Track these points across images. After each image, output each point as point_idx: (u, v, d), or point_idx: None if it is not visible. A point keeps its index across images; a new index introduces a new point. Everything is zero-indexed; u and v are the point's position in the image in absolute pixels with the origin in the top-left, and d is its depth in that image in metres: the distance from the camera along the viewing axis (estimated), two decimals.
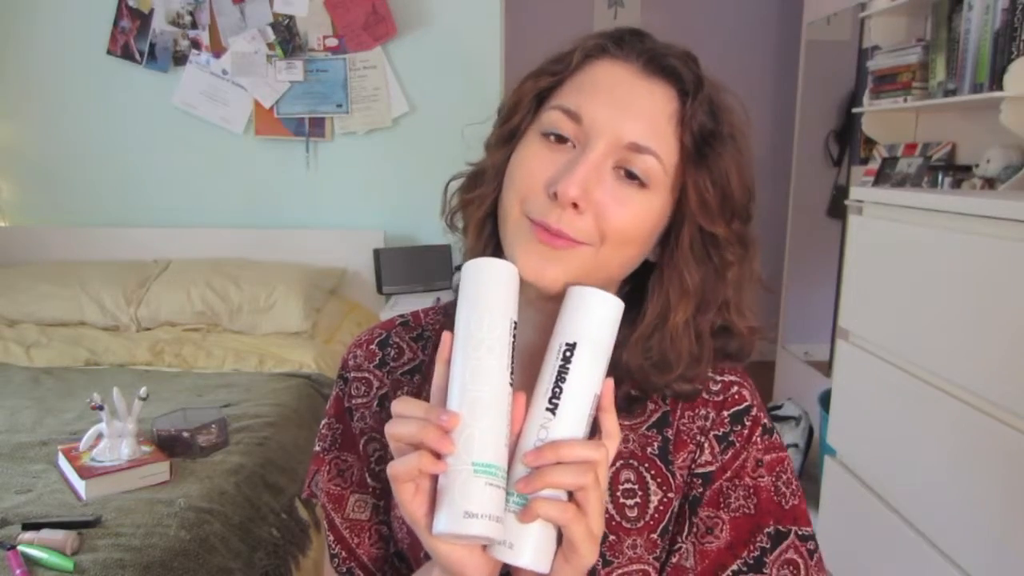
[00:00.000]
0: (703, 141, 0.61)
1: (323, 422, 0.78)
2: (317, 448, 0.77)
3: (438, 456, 0.53)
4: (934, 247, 1.31)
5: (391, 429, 0.55)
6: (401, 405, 0.56)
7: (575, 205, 0.59)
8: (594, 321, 0.58)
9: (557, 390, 0.56)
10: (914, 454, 1.37)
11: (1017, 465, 1.11)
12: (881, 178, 2.53)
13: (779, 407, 2.77)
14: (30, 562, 1.33)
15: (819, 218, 3.32)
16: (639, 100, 0.61)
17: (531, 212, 0.61)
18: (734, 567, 0.66)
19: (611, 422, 0.56)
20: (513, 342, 0.58)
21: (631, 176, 0.61)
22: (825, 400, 2.02)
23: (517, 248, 0.62)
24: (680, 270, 0.63)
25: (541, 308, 0.65)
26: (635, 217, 0.61)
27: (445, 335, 0.58)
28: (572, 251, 0.61)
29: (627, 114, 0.60)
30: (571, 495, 0.54)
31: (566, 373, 0.56)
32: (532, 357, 0.66)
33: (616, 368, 0.62)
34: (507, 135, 0.66)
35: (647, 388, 0.66)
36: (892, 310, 1.44)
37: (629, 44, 0.63)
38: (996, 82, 1.86)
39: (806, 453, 2.49)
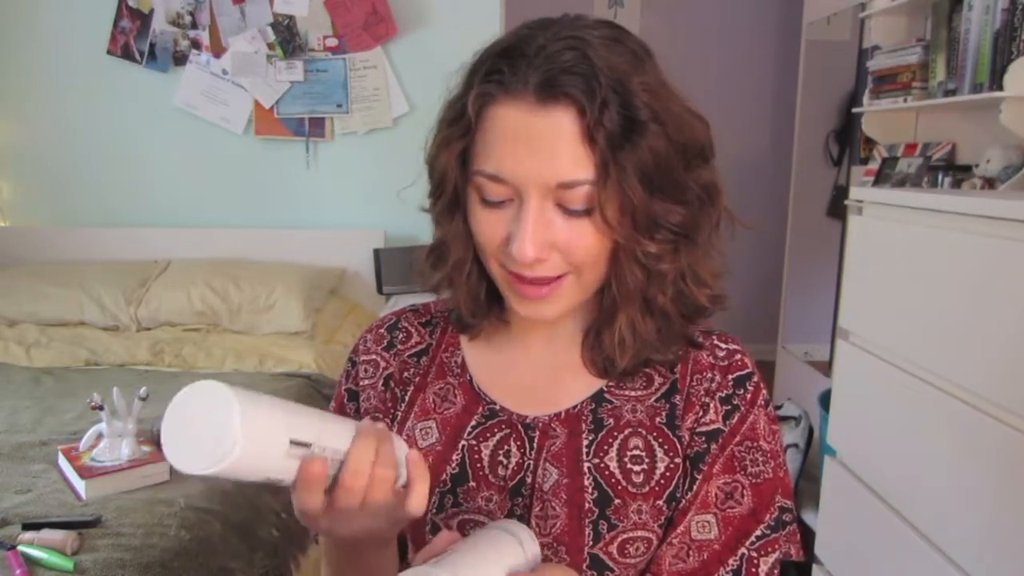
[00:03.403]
0: (620, 140, 0.58)
1: None
2: None
3: None
4: (934, 247, 1.31)
5: None
6: None
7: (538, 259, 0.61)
8: None
9: None
10: (914, 454, 1.37)
11: (1017, 465, 1.11)
12: (881, 178, 2.53)
13: (779, 407, 2.76)
14: (30, 562, 1.33)
15: (819, 218, 3.31)
16: (546, 138, 0.58)
17: (506, 264, 0.64)
18: (758, 532, 0.68)
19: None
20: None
21: (573, 211, 0.61)
22: (825, 400, 2.02)
23: (509, 298, 0.67)
24: (623, 272, 0.64)
25: (550, 322, 0.70)
26: (594, 241, 0.62)
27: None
28: (557, 289, 0.64)
29: (540, 157, 0.59)
30: None
31: None
32: (555, 370, 0.73)
33: (599, 349, 0.69)
34: (451, 205, 0.67)
35: (628, 364, 0.69)
36: (892, 310, 1.44)
37: (511, 77, 0.59)
38: (996, 82, 1.86)
39: (806, 453, 2.48)
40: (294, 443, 0.51)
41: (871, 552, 1.50)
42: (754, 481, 0.68)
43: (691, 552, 0.68)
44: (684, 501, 0.68)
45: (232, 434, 0.47)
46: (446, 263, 0.70)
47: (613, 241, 0.62)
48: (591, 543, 0.67)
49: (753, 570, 0.67)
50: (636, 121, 0.58)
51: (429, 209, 0.71)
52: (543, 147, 0.59)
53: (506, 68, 0.60)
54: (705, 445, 0.69)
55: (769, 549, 0.68)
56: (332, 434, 0.56)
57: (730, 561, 0.67)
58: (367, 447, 0.56)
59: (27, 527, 1.41)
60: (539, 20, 0.63)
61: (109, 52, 2.97)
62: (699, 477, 0.68)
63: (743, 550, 0.68)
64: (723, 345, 0.72)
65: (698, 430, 0.69)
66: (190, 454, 0.48)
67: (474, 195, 0.64)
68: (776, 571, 0.69)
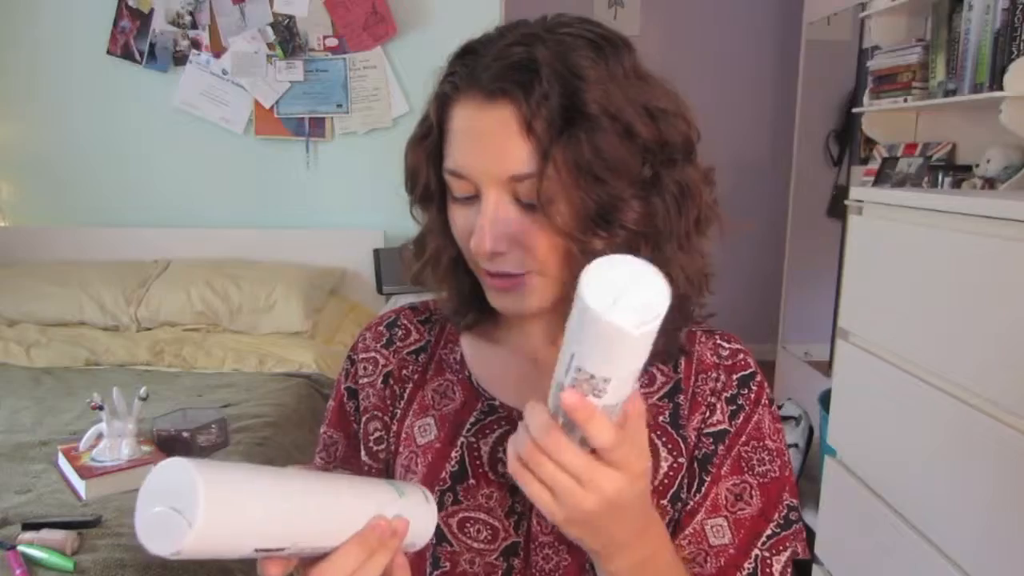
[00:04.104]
0: (559, 132, 0.58)
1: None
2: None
3: None
4: (934, 247, 1.31)
5: None
6: None
7: (498, 252, 0.61)
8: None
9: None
10: (914, 454, 1.37)
11: (1017, 464, 1.11)
12: (881, 178, 2.53)
13: (779, 407, 2.76)
14: (30, 562, 1.33)
15: (819, 218, 3.31)
16: (494, 133, 0.59)
17: (479, 261, 0.64)
18: (768, 531, 0.68)
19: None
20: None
21: (529, 205, 0.60)
22: (825, 400, 2.02)
23: (486, 292, 0.67)
24: (577, 268, 0.61)
25: (541, 317, 0.69)
26: (550, 236, 0.61)
27: None
28: (522, 287, 0.63)
29: (491, 152, 0.60)
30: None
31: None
32: (555, 366, 0.69)
33: None
34: (423, 198, 0.68)
35: None
36: (892, 310, 1.44)
37: (465, 77, 0.61)
38: (996, 82, 1.86)
39: (806, 453, 2.48)
40: (259, 551, 0.49)
41: (871, 552, 1.50)
42: (762, 481, 0.68)
43: (708, 558, 0.67)
44: (692, 502, 0.68)
45: (186, 543, 0.45)
46: (426, 253, 0.71)
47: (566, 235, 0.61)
48: None
49: (768, 571, 0.67)
50: (584, 114, 0.58)
51: (410, 206, 0.72)
52: (492, 142, 0.60)
53: (462, 68, 0.62)
54: (713, 446, 0.69)
55: (780, 548, 0.68)
56: (325, 523, 0.53)
57: (745, 565, 0.67)
58: (351, 557, 0.52)
59: (27, 527, 1.41)
60: (514, 22, 0.64)
61: (109, 52, 2.97)
62: (707, 479, 0.68)
63: (756, 551, 0.68)
64: (726, 344, 0.72)
65: (705, 430, 0.69)
66: (150, 533, 0.46)
67: (449, 192, 0.65)
68: (788, 570, 0.68)
